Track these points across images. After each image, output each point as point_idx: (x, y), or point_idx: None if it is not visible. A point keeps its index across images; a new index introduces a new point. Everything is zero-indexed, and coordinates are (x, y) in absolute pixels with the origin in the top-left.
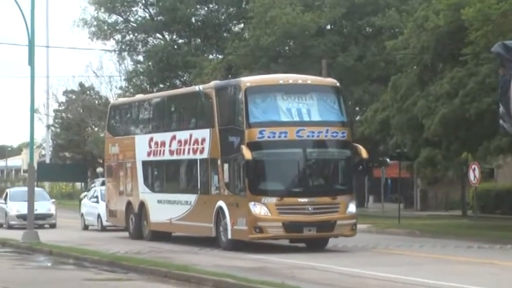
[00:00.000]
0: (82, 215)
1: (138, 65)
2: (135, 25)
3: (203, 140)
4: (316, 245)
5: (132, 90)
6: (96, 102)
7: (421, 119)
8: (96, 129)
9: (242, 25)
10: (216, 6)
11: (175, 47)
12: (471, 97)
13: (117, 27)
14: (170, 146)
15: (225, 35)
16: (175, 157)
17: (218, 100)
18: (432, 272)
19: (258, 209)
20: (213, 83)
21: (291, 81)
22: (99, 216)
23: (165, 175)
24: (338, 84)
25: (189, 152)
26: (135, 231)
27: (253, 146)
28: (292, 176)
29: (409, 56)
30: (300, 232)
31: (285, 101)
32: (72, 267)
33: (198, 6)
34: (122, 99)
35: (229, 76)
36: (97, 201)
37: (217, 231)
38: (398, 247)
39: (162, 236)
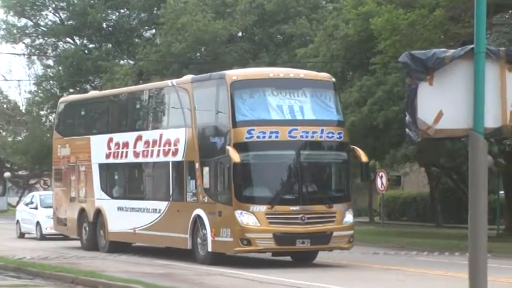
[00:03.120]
0: (18, 222)
1: (48, 70)
2: (45, 29)
3: (177, 140)
4: (304, 259)
5: (41, 94)
6: (5, 106)
7: None
8: (4, 133)
9: (153, 31)
10: (128, 12)
11: (86, 51)
12: (379, 105)
13: (27, 31)
14: (135, 147)
15: (136, 40)
16: (141, 160)
17: (196, 96)
18: (338, 278)
19: (246, 218)
20: (190, 77)
21: (281, 75)
22: (38, 223)
23: (128, 180)
24: (333, 79)
25: (158, 154)
26: (89, 241)
27: (241, 147)
28: (284, 182)
29: (319, 64)
30: (292, 245)
31: (275, 97)
32: None
33: (109, 11)
34: (74, 96)
35: (141, 82)
36: (35, 208)
37: (194, 243)
38: None
39: (122, 247)
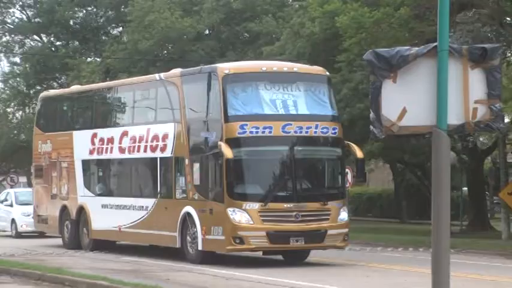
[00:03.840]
0: None
1: (15, 67)
2: (11, 26)
3: (165, 135)
4: (296, 258)
5: (8, 92)
6: None
7: None
8: None
9: (121, 29)
10: (95, 9)
11: (53, 49)
12: (344, 103)
13: None
14: (120, 143)
15: (103, 38)
16: (127, 155)
17: (185, 90)
18: (305, 274)
19: (239, 216)
20: (178, 70)
21: (275, 69)
22: (13, 221)
23: (113, 176)
24: (327, 73)
25: (145, 150)
26: (71, 239)
27: (233, 142)
28: (278, 178)
29: (285, 61)
30: (286, 243)
31: (268, 91)
32: None
33: (77, 9)
34: (55, 90)
35: (107, 79)
36: (10, 205)
37: (183, 242)
38: None
39: (106, 245)
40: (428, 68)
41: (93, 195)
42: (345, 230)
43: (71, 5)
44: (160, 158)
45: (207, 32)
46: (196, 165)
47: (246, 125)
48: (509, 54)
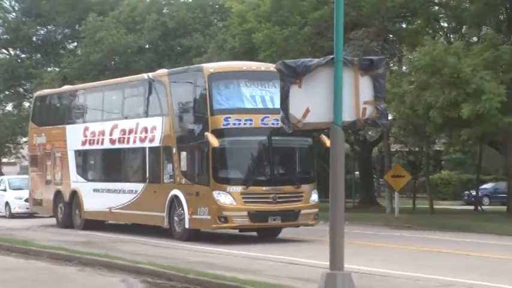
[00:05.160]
0: None
1: None
2: None
3: (153, 128)
4: (270, 235)
5: None
6: None
7: None
8: None
9: (75, 43)
10: (54, 28)
11: (19, 60)
12: None
13: None
14: (111, 134)
15: (61, 51)
16: (117, 146)
17: (172, 87)
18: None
19: (223, 197)
20: (165, 70)
21: (254, 68)
22: (7, 203)
23: (104, 164)
24: None
25: (135, 141)
26: (64, 219)
27: (218, 133)
28: (257, 164)
29: None
30: (265, 221)
31: (248, 88)
32: None
33: (39, 27)
34: (49, 90)
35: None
36: (4, 190)
37: (171, 221)
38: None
39: (96, 224)
40: (327, 75)
41: (85, 181)
42: (316, 210)
43: (34, 24)
44: (149, 147)
45: (147, 46)
46: (184, 154)
47: (230, 117)
48: (392, 64)
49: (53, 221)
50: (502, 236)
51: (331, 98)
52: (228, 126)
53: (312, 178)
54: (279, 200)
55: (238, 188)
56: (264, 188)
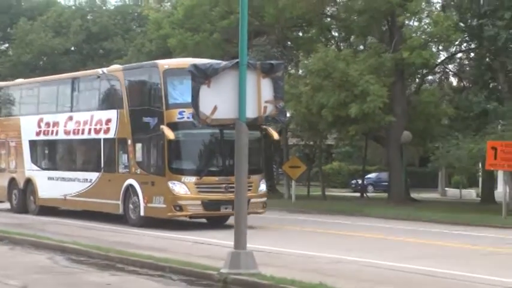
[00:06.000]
0: None
1: None
2: None
3: (108, 120)
4: (218, 221)
5: None
6: None
7: None
8: None
9: (7, 45)
10: None
11: None
12: None
13: None
14: (65, 126)
15: None
16: (71, 137)
17: (127, 82)
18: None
19: (178, 187)
20: (120, 66)
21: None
22: None
23: (58, 154)
24: None
25: (90, 132)
26: (18, 205)
27: (173, 126)
28: (210, 156)
29: None
30: (217, 210)
31: None
32: None
33: None
34: (3, 83)
35: None
36: None
37: (125, 209)
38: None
39: (50, 210)
40: (232, 77)
41: (40, 169)
42: (264, 199)
43: None
44: (104, 138)
45: (72, 48)
46: (139, 145)
47: (184, 111)
48: (290, 68)
49: (7, 205)
50: (383, 219)
51: (236, 97)
52: (182, 120)
53: (260, 169)
54: (231, 189)
55: (193, 179)
56: (216, 178)
